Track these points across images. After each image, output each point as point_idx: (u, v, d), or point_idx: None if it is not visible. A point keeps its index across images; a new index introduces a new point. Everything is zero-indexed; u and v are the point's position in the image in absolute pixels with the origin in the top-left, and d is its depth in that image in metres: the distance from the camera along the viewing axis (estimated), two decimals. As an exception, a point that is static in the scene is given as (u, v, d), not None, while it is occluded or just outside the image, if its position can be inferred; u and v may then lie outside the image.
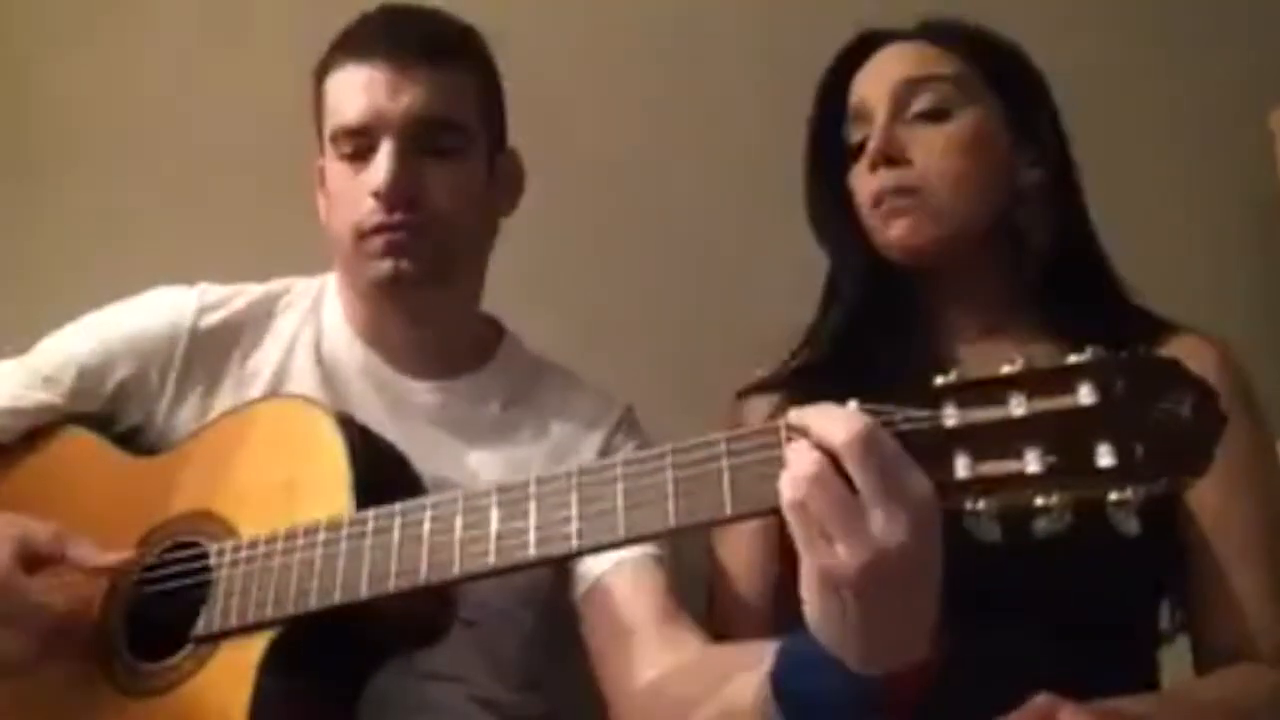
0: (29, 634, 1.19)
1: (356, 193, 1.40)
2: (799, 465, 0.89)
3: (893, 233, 1.40)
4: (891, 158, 1.39)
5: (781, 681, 0.99)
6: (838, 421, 0.89)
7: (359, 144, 1.41)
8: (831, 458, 0.88)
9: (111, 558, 1.23)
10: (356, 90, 1.40)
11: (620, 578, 1.35)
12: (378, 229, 1.39)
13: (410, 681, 1.30)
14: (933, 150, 1.39)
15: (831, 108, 1.48)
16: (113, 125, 2.00)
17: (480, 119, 1.46)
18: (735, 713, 1.06)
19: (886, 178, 1.40)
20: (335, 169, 1.44)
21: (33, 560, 1.21)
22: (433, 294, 1.45)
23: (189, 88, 2.01)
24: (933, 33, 1.46)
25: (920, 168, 1.39)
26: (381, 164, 1.38)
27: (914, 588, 0.89)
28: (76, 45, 2.02)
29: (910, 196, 1.39)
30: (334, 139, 1.43)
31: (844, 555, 0.87)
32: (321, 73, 1.46)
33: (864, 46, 1.48)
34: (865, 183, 1.42)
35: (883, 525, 0.86)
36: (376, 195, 1.38)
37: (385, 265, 1.40)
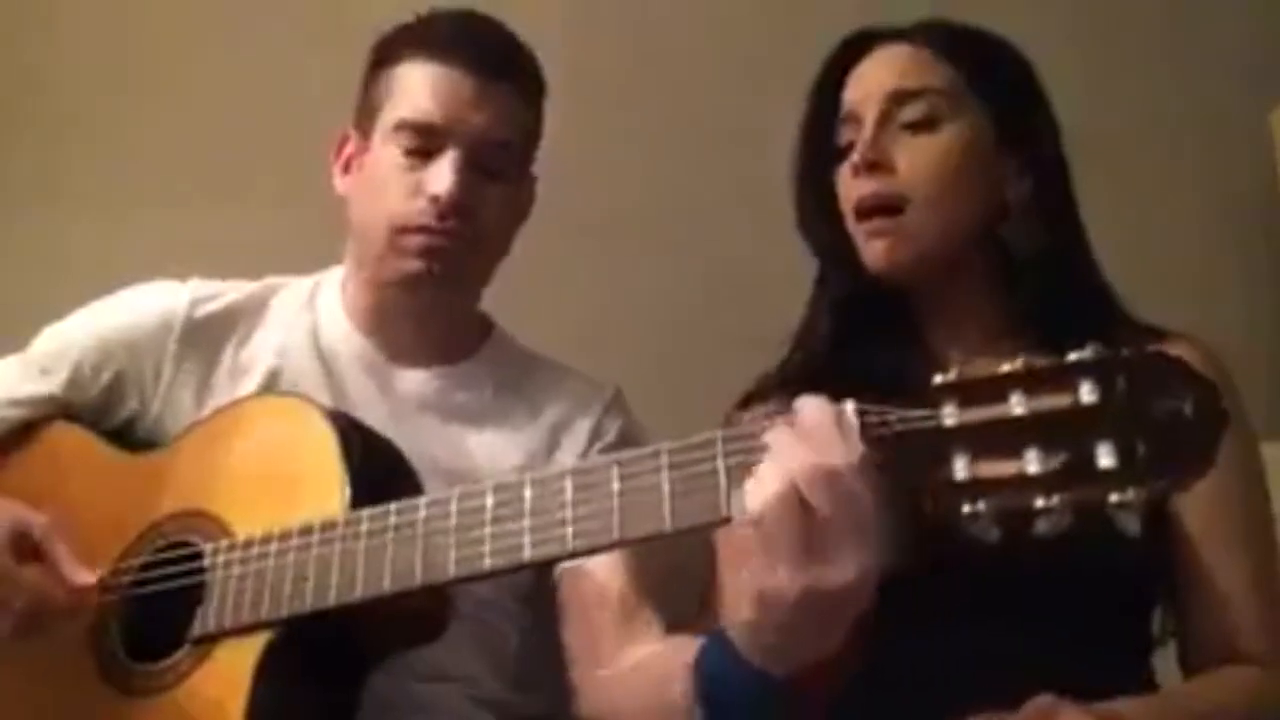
0: (10, 614, 1.19)
1: (408, 187, 1.41)
2: (765, 481, 0.91)
3: (873, 253, 1.39)
4: (876, 165, 1.38)
5: (703, 678, 1.02)
6: (810, 444, 0.91)
7: (424, 142, 1.41)
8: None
9: (83, 578, 1.22)
10: (436, 90, 1.41)
11: (589, 564, 1.35)
12: (423, 229, 1.40)
13: (410, 683, 1.29)
14: (918, 161, 1.38)
15: (823, 109, 1.47)
16: (111, 121, 1.99)
17: (529, 143, 1.51)
18: (672, 710, 1.07)
19: (869, 185, 1.39)
20: (388, 156, 1.43)
21: (24, 545, 1.21)
22: (448, 299, 1.47)
23: (186, 80, 2.01)
24: (927, 35, 1.44)
25: (905, 177, 1.38)
26: (447, 172, 1.39)
27: (842, 616, 0.93)
28: (72, 39, 2.02)
29: (892, 216, 1.38)
30: (398, 128, 1.42)
31: (785, 580, 0.90)
32: (393, 54, 1.46)
33: (856, 46, 1.47)
34: (849, 187, 1.41)
35: (829, 560, 0.89)
36: (435, 199, 1.39)
37: (418, 264, 1.41)
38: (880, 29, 1.47)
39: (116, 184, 1.98)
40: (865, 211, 1.39)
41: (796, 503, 0.89)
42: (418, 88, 1.43)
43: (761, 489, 0.91)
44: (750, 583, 0.93)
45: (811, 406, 0.93)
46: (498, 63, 1.43)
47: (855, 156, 1.39)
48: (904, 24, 1.47)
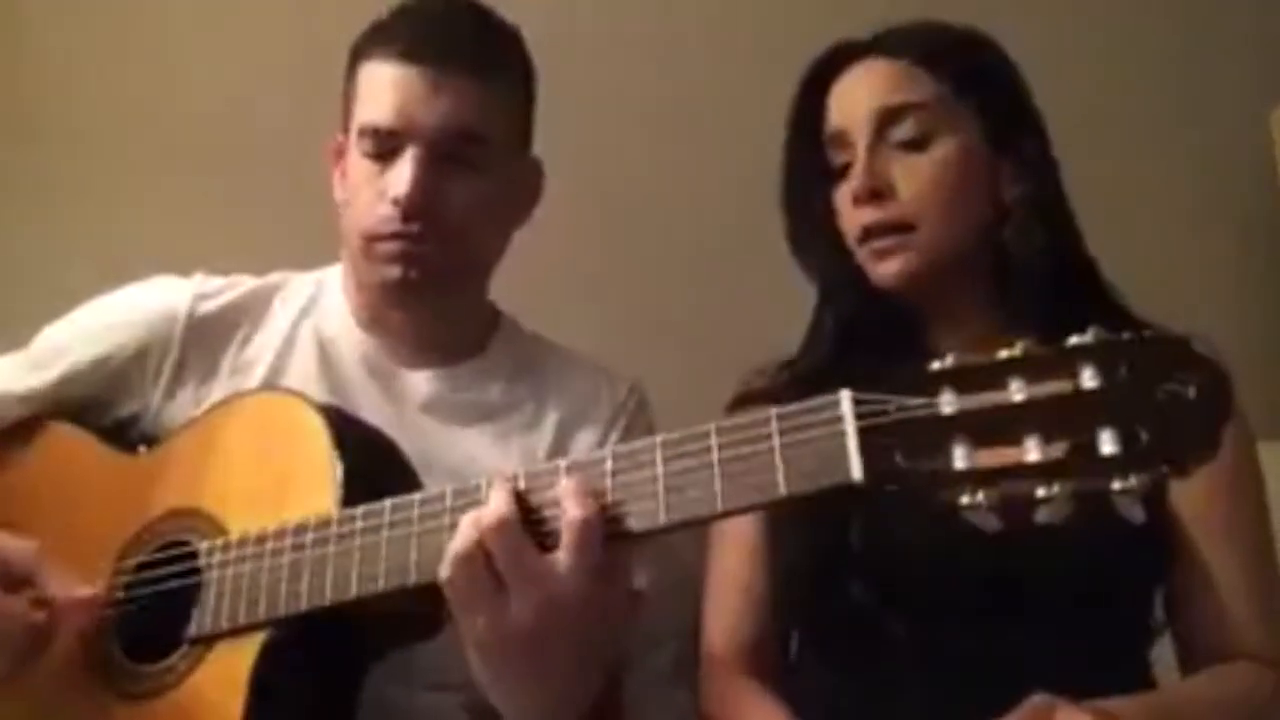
0: (7, 649, 1.18)
1: (374, 194, 1.39)
2: (455, 542, 0.99)
3: (883, 271, 1.39)
4: (877, 193, 1.37)
5: None
6: (489, 503, 0.99)
7: (384, 144, 1.38)
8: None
9: (81, 593, 1.21)
10: (392, 89, 1.38)
11: None
12: (392, 236, 1.38)
13: (413, 691, 1.29)
14: (917, 180, 1.37)
15: (806, 127, 1.46)
16: (109, 114, 2.00)
17: (510, 131, 1.45)
18: None
19: (873, 214, 1.38)
20: (356, 162, 1.41)
21: (10, 579, 1.20)
22: (440, 299, 1.44)
23: (186, 74, 2.01)
24: (904, 47, 1.42)
25: (906, 199, 1.37)
26: (404, 173, 1.36)
27: (546, 662, 1.00)
28: (72, 32, 2.02)
29: (898, 234, 1.37)
30: (361, 134, 1.40)
31: (482, 629, 0.99)
32: (359, 55, 1.44)
33: (832, 62, 1.46)
34: (852, 215, 1.41)
35: (515, 606, 0.97)
36: (396, 203, 1.36)
37: (394, 271, 1.39)
38: (855, 42, 1.46)
39: (118, 181, 1.98)
40: (871, 234, 1.39)
41: (480, 555, 0.97)
42: (375, 90, 1.39)
43: (450, 552, 0.99)
44: (464, 639, 1.02)
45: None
46: (455, 52, 1.38)
47: (855, 185, 1.38)
48: (878, 31, 1.45)
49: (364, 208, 1.39)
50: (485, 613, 0.98)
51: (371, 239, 1.39)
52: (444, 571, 0.99)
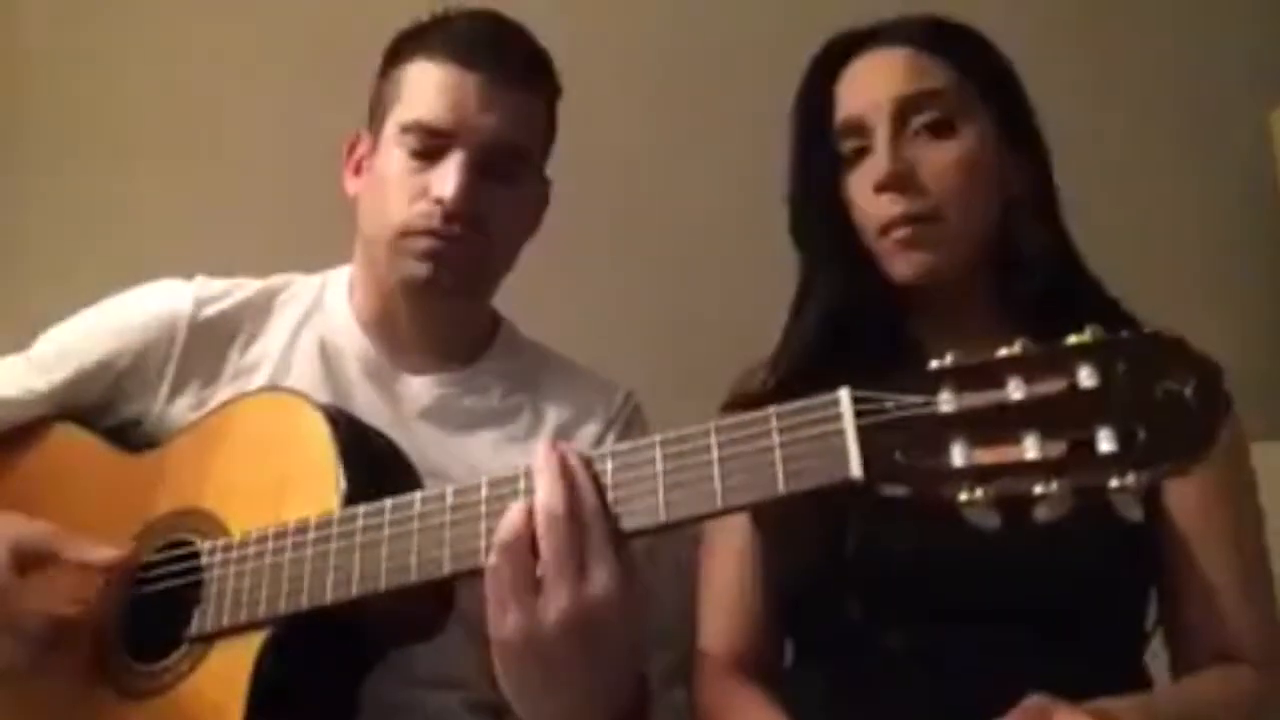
0: (23, 640, 1.19)
1: (414, 190, 1.39)
2: (501, 529, 0.97)
3: (906, 263, 1.37)
4: (905, 183, 1.35)
5: None
6: (541, 485, 0.97)
7: (431, 144, 1.39)
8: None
9: (108, 554, 1.21)
10: (446, 91, 1.39)
11: None
12: (428, 233, 1.39)
13: (409, 689, 1.29)
14: (942, 170, 1.36)
15: (815, 115, 1.44)
16: (109, 111, 2.00)
17: (542, 147, 1.49)
18: None
19: (900, 204, 1.36)
20: (395, 158, 1.42)
21: (27, 561, 1.20)
22: (455, 304, 1.46)
23: (187, 72, 2.01)
24: (918, 37, 1.41)
25: (933, 190, 1.35)
26: (452, 175, 1.37)
27: (570, 667, 0.97)
28: (71, 30, 2.02)
29: (925, 226, 1.36)
30: (405, 130, 1.41)
31: (512, 629, 0.97)
32: (401, 55, 1.45)
33: (842, 52, 1.44)
34: (873, 204, 1.38)
35: (549, 604, 0.95)
36: (439, 202, 1.37)
37: (424, 269, 1.39)
38: (860, 31, 1.44)
39: (121, 183, 1.98)
40: (895, 225, 1.37)
41: (526, 546, 0.96)
42: (426, 89, 1.40)
43: (496, 540, 0.97)
44: (491, 635, 0.99)
45: (545, 449, 0.99)
46: (509, 65, 1.41)
47: (879, 173, 1.36)
48: (879, 23, 1.44)
49: (400, 203, 1.40)
50: (517, 611, 0.97)
51: (405, 234, 1.40)
52: (491, 559, 0.98)
